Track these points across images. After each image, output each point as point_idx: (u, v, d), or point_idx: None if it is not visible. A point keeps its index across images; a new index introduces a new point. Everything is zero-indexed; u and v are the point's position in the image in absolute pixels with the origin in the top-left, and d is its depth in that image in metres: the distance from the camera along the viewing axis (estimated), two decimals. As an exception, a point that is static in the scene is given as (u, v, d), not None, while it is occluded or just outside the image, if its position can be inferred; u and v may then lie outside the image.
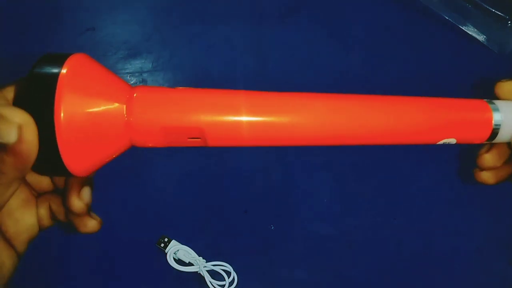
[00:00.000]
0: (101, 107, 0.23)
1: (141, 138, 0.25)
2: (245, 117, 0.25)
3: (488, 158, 0.31)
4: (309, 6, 0.59)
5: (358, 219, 0.47)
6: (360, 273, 0.45)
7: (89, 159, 0.23)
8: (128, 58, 0.55)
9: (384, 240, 0.47)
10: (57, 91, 0.21)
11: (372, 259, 0.46)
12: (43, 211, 0.26)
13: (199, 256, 0.43)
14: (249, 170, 0.49)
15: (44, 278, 0.43)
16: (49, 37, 0.55)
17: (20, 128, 0.20)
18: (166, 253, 0.43)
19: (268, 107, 0.26)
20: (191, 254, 0.43)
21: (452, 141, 0.29)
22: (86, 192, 0.25)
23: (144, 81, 0.53)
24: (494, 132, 0.29)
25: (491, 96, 0.30)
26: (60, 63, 0.22)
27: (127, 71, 0.54)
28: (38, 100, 0.21)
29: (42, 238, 0.26)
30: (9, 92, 0.22)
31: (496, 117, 0.29)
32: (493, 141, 0.30)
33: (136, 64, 0.54)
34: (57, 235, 0.44)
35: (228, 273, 0.43)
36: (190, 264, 0.43)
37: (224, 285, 0.42)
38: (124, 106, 0.24)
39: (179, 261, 0.43)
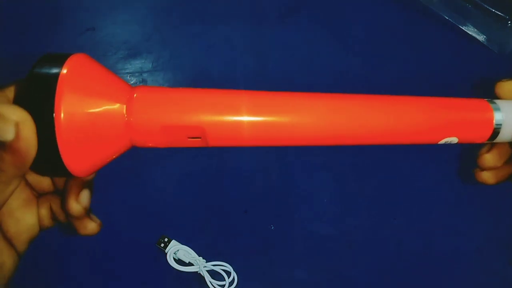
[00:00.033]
0: (101, 107, 0.23)
1: (141, 138, 0.25)
2: (245, 117, 0.25)
3: (489, 158, 0.31)
4: (309, 6, 0.59)
5: (358, 219, 0.47)
6: (360, 273, 0.45)
7: (89, 159, 0.23)
8: (128, 58, 0.55)
9: (384, 240, 0.47)
10: (57, 91, 0.21)
11: (372, 259, 0.46)
12: (44, 212, 0.26)
13: (199, 256, 0.43)
14: (249, 170, 0.49)
15: (44, 278, 0.43)
16: (49, 37, 0.55)
17: (17, 125, 0.20)
18: (166, 253, 0.43)
19: (268, 107, 0.26)
20: (191, 254, 0.43)
21: (454, 140, 0.29)
22: (85, 196, 0.25)
23: (144, 81, 0.53)
24: (495, 132, 0.29)
25: (491, 96, 0.30)
26: (60, 63, 0.22)
27: (127, 71, 0.54)
28: (38, 100, 0.21)
29: (42, 238, 0.26)
30: (11, 92, 0.22)
31: (497, 117, 0.29)
32: (494, 141, 0.30)
33: (136, 64, 0.54)
34: (57, 235, 0.44)
35: (228, 273, 0.43)
36: (190, 264, 0.43)
37: (224, 285, 0.42)
38: (124, 106, 0.23)
39: (179, 261, 0.43)
